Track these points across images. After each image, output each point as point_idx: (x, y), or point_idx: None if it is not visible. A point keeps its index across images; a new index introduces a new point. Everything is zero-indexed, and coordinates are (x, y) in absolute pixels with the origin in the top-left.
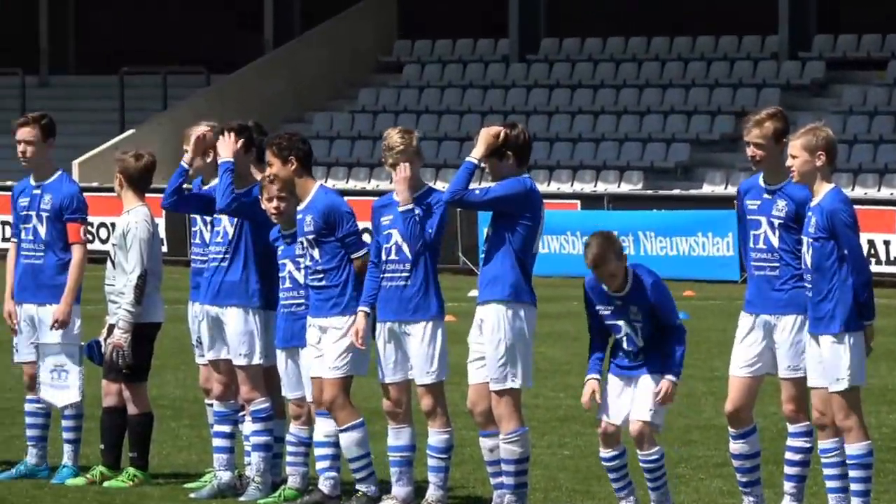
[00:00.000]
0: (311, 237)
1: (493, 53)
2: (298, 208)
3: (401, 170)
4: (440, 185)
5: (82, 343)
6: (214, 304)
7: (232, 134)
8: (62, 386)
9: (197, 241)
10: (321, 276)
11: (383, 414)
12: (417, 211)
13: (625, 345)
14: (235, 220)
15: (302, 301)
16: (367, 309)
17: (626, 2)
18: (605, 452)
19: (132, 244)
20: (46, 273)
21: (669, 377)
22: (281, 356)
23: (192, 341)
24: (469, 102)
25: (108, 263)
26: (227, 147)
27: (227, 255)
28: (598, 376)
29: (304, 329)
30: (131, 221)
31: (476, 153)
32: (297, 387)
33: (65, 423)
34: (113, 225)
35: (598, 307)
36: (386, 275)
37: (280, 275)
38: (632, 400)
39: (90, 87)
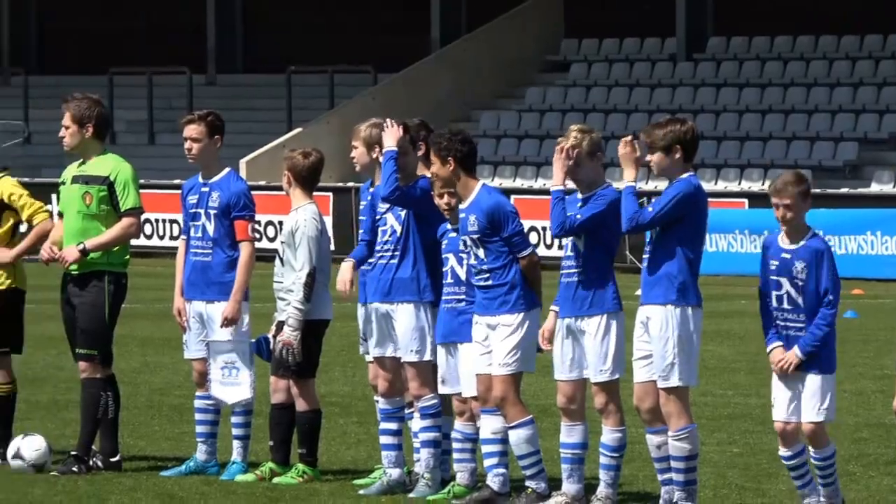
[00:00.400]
0: (475, 237)
1: (660, 52)
2: (461, 206)
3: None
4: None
5: (251, 340)
6: (385, 302)
7: (396, 124)
8: (233, 383)
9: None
10: (487, 275)
11: (556, 411)
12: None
13: (785, 303)
14: (402, 216)
15: (463, 297)
16: (556, 308)
17: (793, 0)
18: (783, 451)
19: (301, 242)
20: (215, 270)
21: (797, 352)
22: (441, 352)
23: (359, 338)
24: (636, 101)
25: (277, 261)
26: (391, 136)
27: (395, 252)
28: (780, 343)
29: (464, 325)
30: (300, 219)
31: (627, 176)
32: (455, 382)
33: (234, 419)
34: (280, 223)
35: (769, 260)
36: (563, 271)
37: (444, 269)
38: (801, 400)
39: (258, 87)
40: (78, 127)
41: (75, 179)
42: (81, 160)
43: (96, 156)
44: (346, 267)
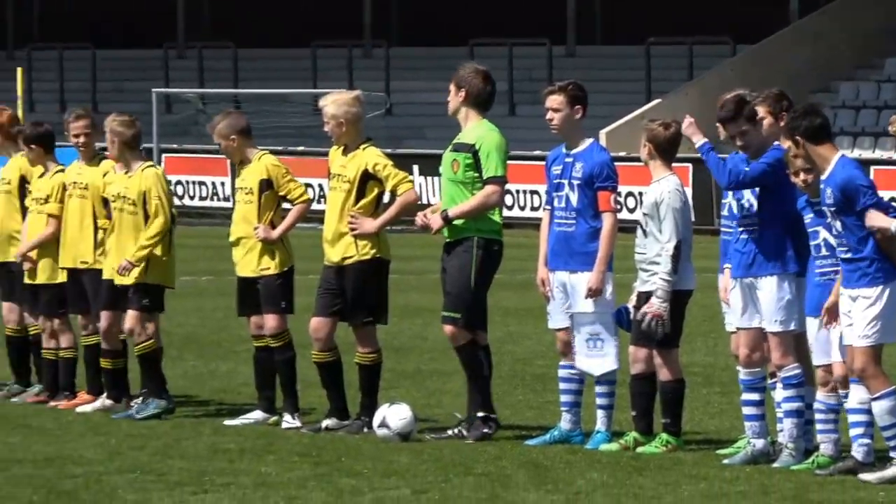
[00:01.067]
0: (832, 209)
1: None
2: (822, 178)
3: None
4: None
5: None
6: (748, 275)
7: (690, 116)
8: (598, 355)
9: (725, 213)
10: (846, 248)
11: None
12: None
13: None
14: (757, 190)
15: (837, 268)
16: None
17: None
18: None
19: (666, 214)
20: (578, 240)
21: None
22: (813, 323)
23: (721, 309)
24: None
25: (639, 232)
26: (693, 131)
27: (755, 227)
28: None
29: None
30: (663, 191)
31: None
32: (826, 354)
33: (598, 389)
34: (640, 194)
35: None
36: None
37: (813, 243)
38: None
39: (617, 58)
40: (456, 91)
41: (452, 147)
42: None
43: (473, 123)
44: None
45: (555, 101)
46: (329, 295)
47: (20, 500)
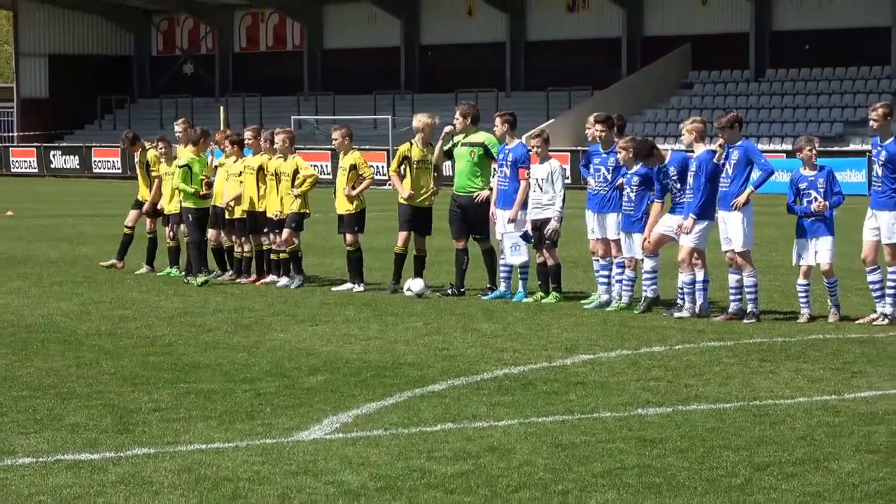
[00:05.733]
0: None
1: None
2: None
3: None
4: None
5: None
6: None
7: None
8: (518, 254)
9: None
10: None
11: None
12: None
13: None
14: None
15: None
16: None
17: None
18: None
19: (557, 178)
20: (509, 194)
21: None
22: None
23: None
24: None
25: (537, 187)
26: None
27: None
28: None
29: None
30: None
31: None
32: None
33: (520, 271)
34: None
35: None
36: None
37: None
38: None
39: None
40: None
41: (462, 144)
42: None
43: (474, 132)
44: None
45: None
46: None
47: None
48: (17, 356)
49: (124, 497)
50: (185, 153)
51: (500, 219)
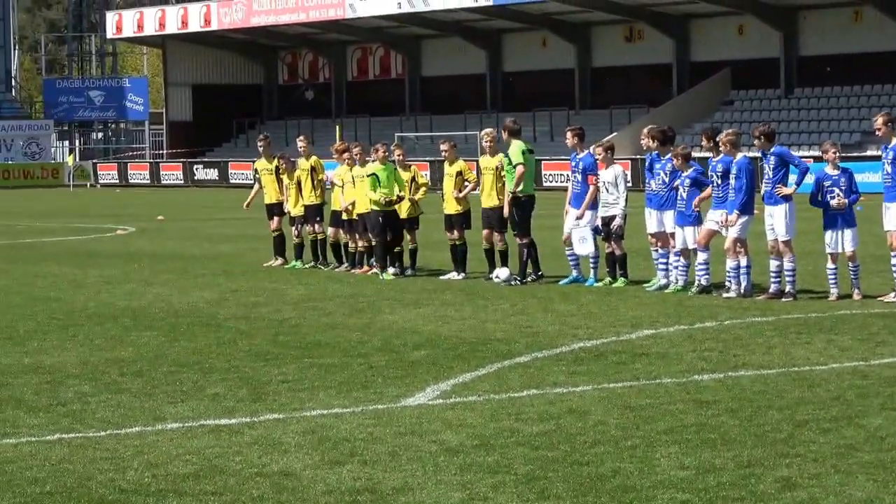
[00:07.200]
0: None
1: None
2: None
3: None
4: None
5: None
6: None
7: None
8: (586, 247)
9: None
10: None
11: None
12: None
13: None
14: None
15: None
16: None
17: None
18: None
19: (620, 182)
20: (580, 197)
21: None
22: None
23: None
24: None
25: (604, 189)
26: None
27: None
28: None
29: None
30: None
31: None
32: None
33: (591, 261)
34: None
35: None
36: None
37: None
38: None
39: None
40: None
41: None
42: None
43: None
44: None
45: None
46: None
47: None
48: (166, 338)
49: (258, 455)
50: (372, 166)
51: (571, 216)
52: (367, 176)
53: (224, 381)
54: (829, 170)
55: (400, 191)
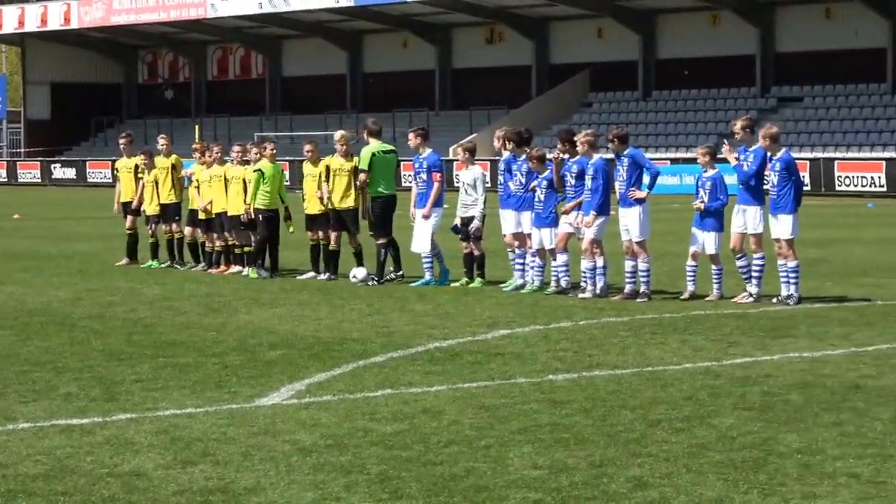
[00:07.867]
0: None
1: None
2: None
3: None
4: None
5: None
6: None
7: None
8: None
9: None
10: None
11: None
12: None
13: None
14: None
15: None
16: None
17: None
18: None
19: (479, 183)
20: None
21: None
22: None
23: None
24: None
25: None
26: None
27: None
28: None
29: None
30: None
31: None
32: None
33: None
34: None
35: None
36: None
37: None
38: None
39: None
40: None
41: None
42: None
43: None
44: None
45: None
46: None
47: None
48: (18, 336)
49: (109, 456)
50: (260, 164)
51: (418, 217)
52: (254, 171)
53: (77, 380)
54: (704, 172)
55: (284, 202)
